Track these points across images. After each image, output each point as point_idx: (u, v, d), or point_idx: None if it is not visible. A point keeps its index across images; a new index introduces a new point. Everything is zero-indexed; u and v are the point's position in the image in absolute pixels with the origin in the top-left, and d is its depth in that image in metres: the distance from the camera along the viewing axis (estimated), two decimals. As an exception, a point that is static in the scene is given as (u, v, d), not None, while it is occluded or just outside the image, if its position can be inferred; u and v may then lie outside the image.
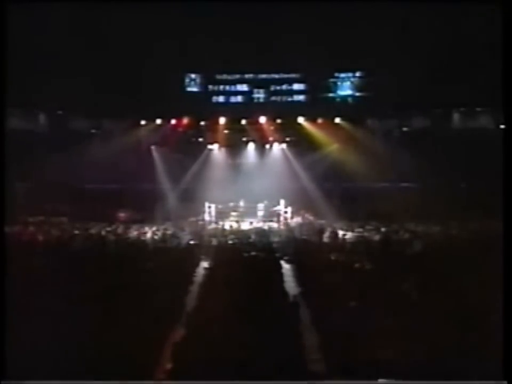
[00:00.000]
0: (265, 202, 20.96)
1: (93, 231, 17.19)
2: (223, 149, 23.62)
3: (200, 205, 20.91)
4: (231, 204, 21.05)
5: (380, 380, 4.57)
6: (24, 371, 4.53)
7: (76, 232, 16.95)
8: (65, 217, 19.03)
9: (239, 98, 22.62)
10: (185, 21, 18.32)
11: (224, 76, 22.54)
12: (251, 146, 23.84)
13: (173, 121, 22.89)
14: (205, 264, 11.60)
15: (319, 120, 22.54)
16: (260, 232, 17.48)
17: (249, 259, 10.72)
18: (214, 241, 15.55)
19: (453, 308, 6.02)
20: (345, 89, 22.32)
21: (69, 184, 20.65)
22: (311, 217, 20.18)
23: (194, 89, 22.45)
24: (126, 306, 6.26)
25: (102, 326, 5.49)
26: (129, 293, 6.88)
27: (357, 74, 22.19)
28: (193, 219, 20.12)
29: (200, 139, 23.96)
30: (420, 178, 20.84)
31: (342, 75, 22.31)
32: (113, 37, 18.74)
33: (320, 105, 22.10)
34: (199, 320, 6.15)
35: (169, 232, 17.58)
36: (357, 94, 22.20)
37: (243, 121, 22.87)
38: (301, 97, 22.48)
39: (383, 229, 17.09)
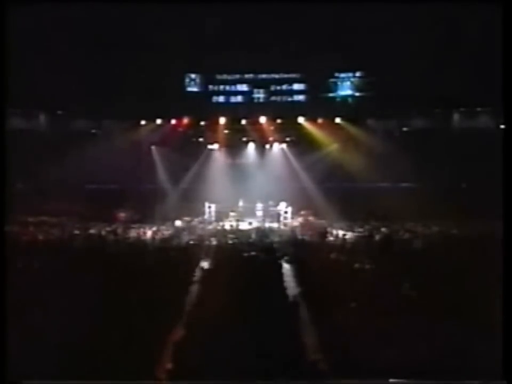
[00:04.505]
0: (266, 202, 20.97)
1: (93, 231, 17.20)
2: (223, 149, 23.61)
3: (200, 205, 20.91)
4: (231, 204, 21.04)
5: (380, 380, 4.57)
6: (24, 371, 4.54)
7: (76, 232, 16.97)
8: (65, 217, 19.02)
9: (239, 98, 22.61)
10: (185, 20, 18.32)
11: (224, 76, 22.53)
12: (251, 146, 23.83)
13: (173, 121, 22.87)
14: (204, 264, 11.61)
15: (319, 120, 22.52)
16: (260, 232, 17.50)
17: (249, 259, 10.72)
18: (214, 241, 15.57)
19: (453, 307, 6.03)
20: (345, 89, 22.31)
21: (69, 184, 20.64)
22: (311, 217, 20.18)
23: (194, 89, 22.44)
24: (126, 306, 6.26)
25: (101, 326, 5.50)
26: (129, 293, 6.88)
27: (357, 74, 22.19)
28: (193, 219, 20.12)
29: (200, 139, 23.94)
30: (420, 178, 20.85)
31: (342, 75, 22.29)
32: (113, 37, 18.74)
33: (320, 105, 22.08)
34: (199, 320, 6.15)
35: (169, 232, 17.60)
36: (357, 94, 22.19)
37: (243, 121, 22.86)
38: (301, 97, 22.46)
39: (383, 229, 17.11)
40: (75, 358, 4.74)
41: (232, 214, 20.56)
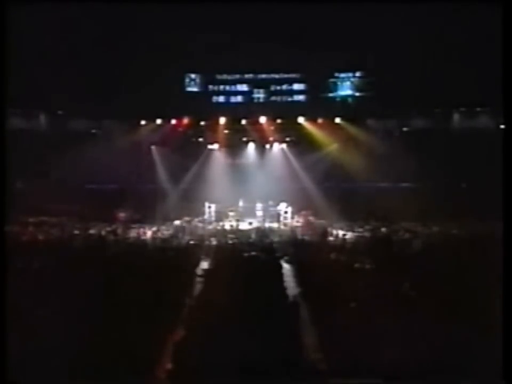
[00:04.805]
0: (267, 202, 20.99)
1: (93, 231, 17.21)
2: (223, 149, 23.61)
3: (200, 205, 20.92)
4: (231, 204, 21.06)
5: (380, 380, 4.57)
6: (24, 371, 4.54)
7: (76, 232, 16.98)
8: (65, 217, 19.03)
9: (239, 98, 22.61)
10: (186, 20, 18.32)
11: (224, 76, 22.54)
12: (251, 146, 23.83)
13: (173, 121, 22.87)
14: (204, 264, 11.62)
15: (319, 120, 22.53)
16: (260, 232, 17.50)
17: (249, 259, 10.73)
18: (214, 241, 15.57)
19: (453, 307, 6.02)
20: (345, 89, 22.32)
21: (69, 184, 20.65)
22: (311, 217, 20.19)
23: (194, 89, 22.44)
24: (126, 306, 6.26)
25: (101, 326, 5.50)
26: (129, 293, 6.87)
27: (357, 74, 22.19)
28: (193, 219, 20.13)
29: (200, 139, 23.94)
30: (420, 178, 20.85)
31: (342, 75, 22.29)
32: (113, 37, 18.74)
33: (320, 105, 22.09)
34: (199, 320, 6.15)
35: (169, 232, 17.61)
36: (357, 94, 22.20)
37: (243, 121, 22.86)
38: (301, 97, 22.47)
39: (383, 229, 17.12)
40: (75, 358, 4.74)
41: (231, 214, 20.57)
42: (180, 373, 4.88)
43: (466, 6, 13.78)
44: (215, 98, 22.59)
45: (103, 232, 16.90)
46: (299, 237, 16.60)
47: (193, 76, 22.39)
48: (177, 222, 19.35)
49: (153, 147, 23.07)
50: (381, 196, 19.35)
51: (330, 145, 22.57)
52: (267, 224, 19.83)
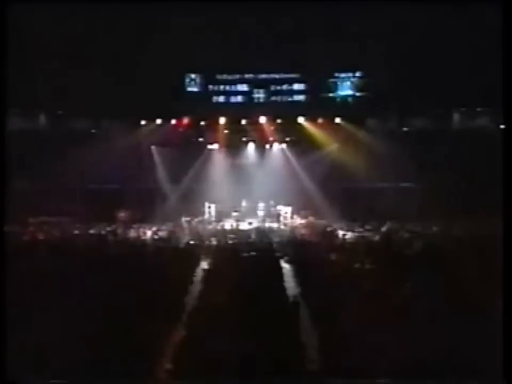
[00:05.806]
0: (267, 202, 20.99)
1: (93, 231, 17.22)
2: (223, 149, 23.60)
3: (200, 205, 20.92)
4: (231, 204, 21.06)
5: (380, 380, 4.57)
6: (24, 371, 4.54)
7: (76, 232, 16.98)
8: (65, 217, 19.03)
9: (239, 98, 22.57)
10: (186, 20, 18.32)
11: (224, 76, 22.50)
12: (251, 146, 23.82)
13: (173, 121, 22.85)
14: (204, 264, 11.63)
15: (319, 120, 22.51)
16: (260, 232, 17.51)
17: (249, 259, 10.73)
18: (214, 241, 15.58)
19: (453, 307, 6.02)
20: (345, 89, 22.28)
21: (69, 184, 20.64)
22: (311, 217, 20.19)
23: (194, 89, 22.41)
24: (126, 306, 6.26)
25: (101, 326, 5.49)
26: (129, 293, 6.88)
27: (357, 74, 22.18)
28: (193, 219, 20.14)
29: (200, 139, 23.92)
30: (420, 178, 20.85)
31: (342, 75, 22.26)
32: (113, 37, 18.74)
33: (320, 105, 22.06)
34: (199, 320, 6.15)
35: (169, 232, 17.61)
36: (357, 94, 22.18)
37: (243, 121, 22.84)
38: (301, 97, 22.43)
39: (383, 229, 17.13)
40: (75, 358, 4.74)
41: (235, 214, 20.61)
42: (180, 373, 4.89)
43: (466, 6, 13.79)
44: (215, 98, 22.54)
45: (103, 232, 16.90)
46: (299, 237, 16.59)
47: (193, 75, 22.34)
48: (177, 222, 19.36)
49: (153, 147, 23.05)
50: (381, 196, 19.34)
51: (330, 145, 22.55)
52: (267, 224, 19.83)
